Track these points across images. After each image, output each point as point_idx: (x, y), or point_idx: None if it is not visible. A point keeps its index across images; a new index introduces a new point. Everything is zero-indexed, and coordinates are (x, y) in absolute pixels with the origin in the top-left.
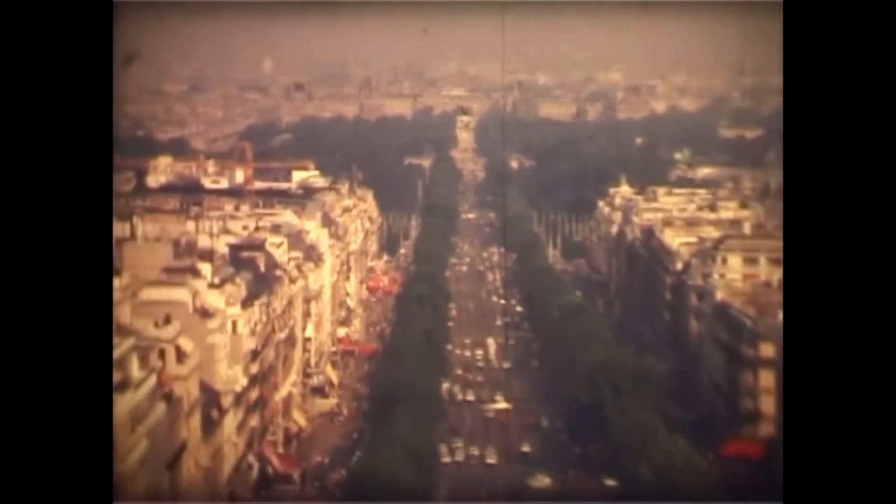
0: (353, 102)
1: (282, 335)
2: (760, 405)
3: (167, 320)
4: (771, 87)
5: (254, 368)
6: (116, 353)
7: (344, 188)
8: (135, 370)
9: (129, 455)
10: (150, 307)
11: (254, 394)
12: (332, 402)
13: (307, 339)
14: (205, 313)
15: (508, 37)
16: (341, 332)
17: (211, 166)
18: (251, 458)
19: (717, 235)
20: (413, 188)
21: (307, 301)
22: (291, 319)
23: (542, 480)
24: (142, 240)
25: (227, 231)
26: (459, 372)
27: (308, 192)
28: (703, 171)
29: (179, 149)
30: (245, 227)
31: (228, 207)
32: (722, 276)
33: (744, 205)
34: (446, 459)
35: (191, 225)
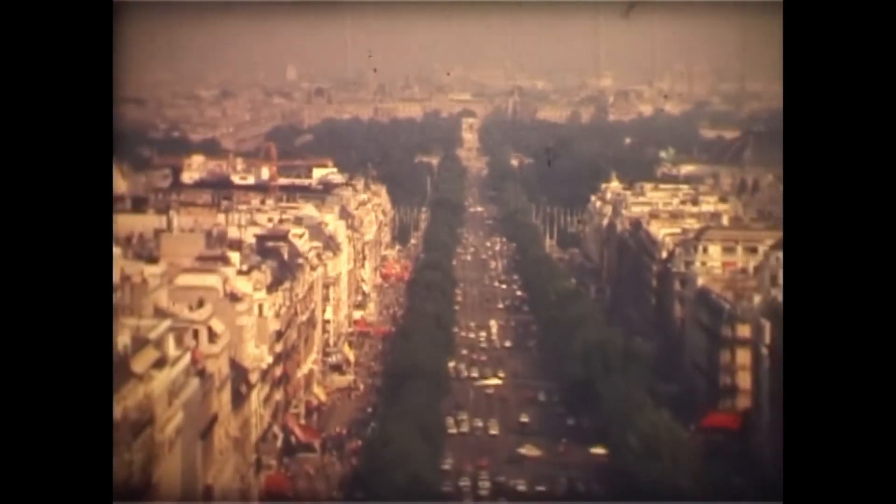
0: (368, 106)
1: (303, 317)
2: (737, 381)
3: (200, 304)
4: (748, 93)
5: (278, 347)
6: (155, 334)
7: (360, 184)
8: (171, 349)
9: (167, 425)
10: (184, 292)
11: (278, 370)
12: (349, 378)
13: (326, 321)
14: (234, 297)
15: (510, 47)
16: (357, 314)
17: (239, 164)
18: (276, 429)
19: (698, 227)
20: (423, 184)
21: (326, 286)
22: (312, 303)
23: (533, 450)
24: (177, 231)
25: (254, 223)
26: (465, 352)
27: (327, 187)
28: (686, 169)
29: (211, 148)
30: (270, 220)
31: (255, 201)
32: (703, 263)
33: (723, 199)
34: (452, 431)
35: (221, 217)
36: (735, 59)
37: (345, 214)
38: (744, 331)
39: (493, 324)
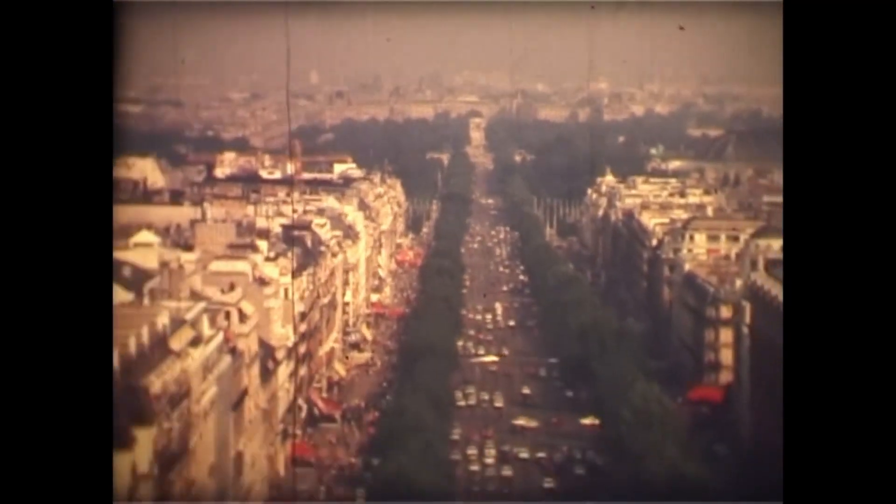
0: (384, 107)
1: (325, 300)
2: (720, 358)
3: (231, 287)
4: (730, 94)
5: (302, 327)
6: (190, 315)
7: (377, 178)
8: (205, 329)
9: (202, 398)
10: (217, 277)
11: (302, 348)
12: (366, 355)
13: (346, 304)
14: (262, 282)
15: (513, 52)
16: (374, 297)
17: (267, 160)
18: (300, 402)
19: (685, 217)
20: (434, 178)
21: (346, 272)
22: (333, 287)
23: (533, 421)
24: (211, 221)
25: (280, 214)
26: (472, 331)
27: (347, 181)
28: (674, 164)
29: (241, 146)
30: (295, 211)
31: (281, 194)
32: (689, 250)
33: (707, 192)
34: (461, 403)
35: (251, 209)
36: (719, 63)
37: (363, 206)
38: (726, 312)
39: (498, 306)
